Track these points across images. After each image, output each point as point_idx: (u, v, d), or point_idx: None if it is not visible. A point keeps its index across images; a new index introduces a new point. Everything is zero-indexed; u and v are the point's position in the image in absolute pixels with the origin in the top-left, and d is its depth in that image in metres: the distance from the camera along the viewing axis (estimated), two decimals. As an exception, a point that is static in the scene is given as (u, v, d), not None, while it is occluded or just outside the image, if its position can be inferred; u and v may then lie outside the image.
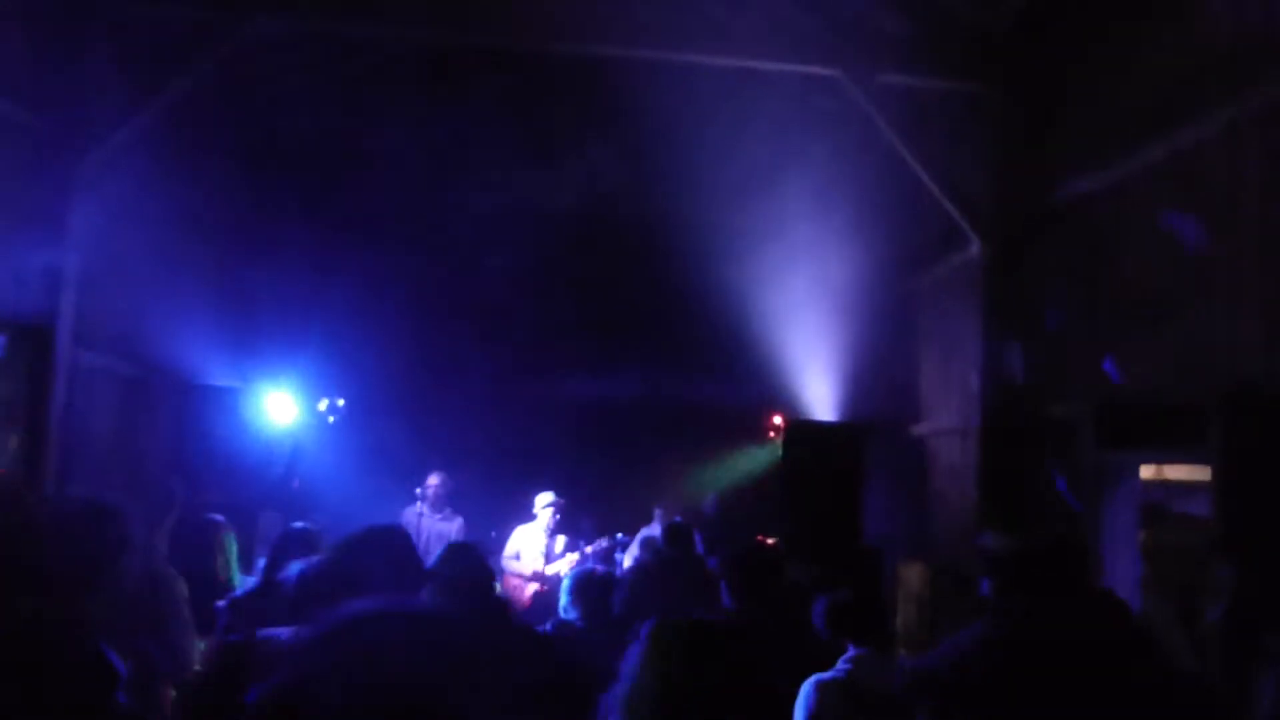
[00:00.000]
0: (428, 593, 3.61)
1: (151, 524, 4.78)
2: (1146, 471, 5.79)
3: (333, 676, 1.32)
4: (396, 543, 3.14)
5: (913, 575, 7.40)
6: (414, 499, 8.67)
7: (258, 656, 2.71)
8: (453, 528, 8.66)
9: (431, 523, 8.53)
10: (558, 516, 8.66)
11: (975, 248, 6.91)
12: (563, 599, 4.76)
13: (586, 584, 4.66)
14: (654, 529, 9.34)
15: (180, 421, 7.32)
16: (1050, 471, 6.11)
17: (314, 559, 3.34)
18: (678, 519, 7.95)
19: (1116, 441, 5.45)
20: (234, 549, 5.23)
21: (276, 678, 1.37)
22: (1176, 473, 5.88)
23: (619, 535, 9.65)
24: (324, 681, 1.31)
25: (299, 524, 4.52)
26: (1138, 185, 5.50)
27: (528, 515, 8.76)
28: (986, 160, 6.82)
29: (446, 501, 8.74)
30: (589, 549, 9.08)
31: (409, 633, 1.40)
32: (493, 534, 9.44)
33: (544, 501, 8.63)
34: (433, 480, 8.71)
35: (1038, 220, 6.57)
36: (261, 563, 4.60)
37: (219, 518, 5.30)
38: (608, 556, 9.92)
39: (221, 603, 5.00)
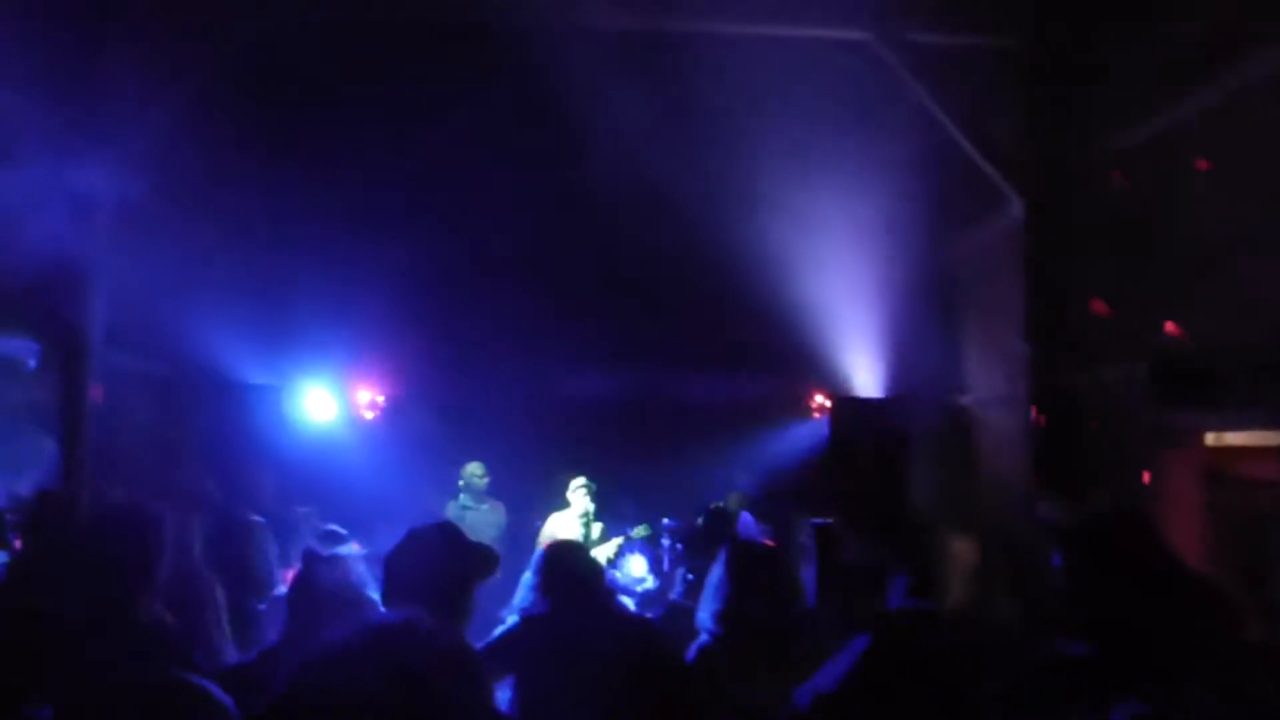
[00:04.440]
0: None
1: (185, 526, 4.72)
2: (1207, 438, 5.57)
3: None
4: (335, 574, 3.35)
5: (965, 550, 7.21)
6: (455, 492, 8.64)
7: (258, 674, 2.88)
8: (499, 518, 8.64)
9: (477, 514, 8.50)
10: (592, 502, 8.57)
11: (1017, 208, 6.67)
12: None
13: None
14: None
15: (217, 421, 7.29)
16: (1105, 437, 5.90)
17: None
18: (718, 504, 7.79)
19: (1175, 402, 5.22)
20: (272, 550, 5.17)
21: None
22: (1237, 438, 5.64)
23: (665, 521, 9.54)
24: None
25: (330, 527, 4.43)
26: (1187, 132, 5.26)
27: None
28: (1025, 117, 6.58)
29: (488, 491, 8.72)
30: (633, 533, 8.97)
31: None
32: (538, 524, 9.39)
33: (575, 486, 8.54)
34: (475, 470, 8.67)
35: (1082, 175, 6.32)
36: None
37: (257, 518, 5.24)
38: (654, 541, 9.83)
39: (262, 605, 4.95)
